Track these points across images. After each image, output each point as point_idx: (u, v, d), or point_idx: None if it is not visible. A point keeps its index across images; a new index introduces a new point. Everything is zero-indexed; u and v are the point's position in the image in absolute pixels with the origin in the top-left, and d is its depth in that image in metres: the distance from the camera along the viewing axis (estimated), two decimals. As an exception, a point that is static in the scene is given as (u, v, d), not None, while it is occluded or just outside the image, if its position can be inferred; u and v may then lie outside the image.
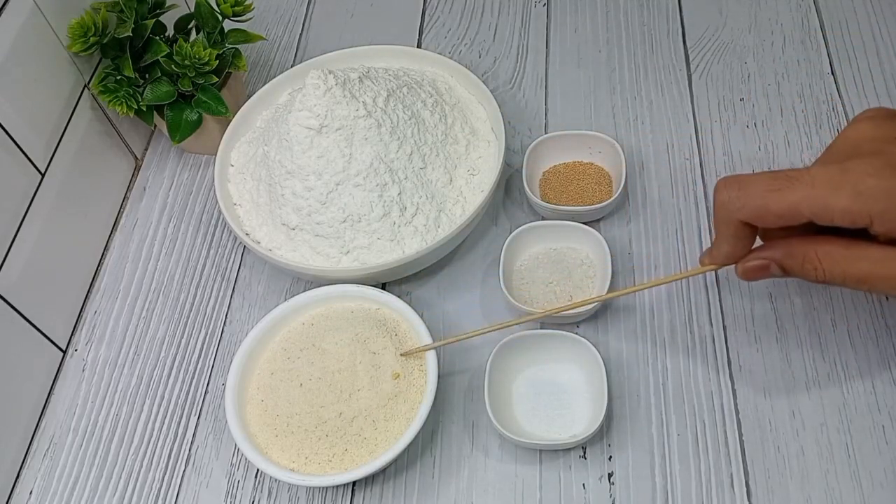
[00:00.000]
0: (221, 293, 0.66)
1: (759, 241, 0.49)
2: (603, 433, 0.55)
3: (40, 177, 0.61)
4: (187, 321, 0.65)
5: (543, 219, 0.65)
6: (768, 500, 0.52)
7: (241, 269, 0.67)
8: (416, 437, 0.52)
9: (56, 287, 0.63)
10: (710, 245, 0.64)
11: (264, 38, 0.72)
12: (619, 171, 0.64)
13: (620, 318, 0.60)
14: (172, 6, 0.69)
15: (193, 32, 0.71)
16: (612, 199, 0.63)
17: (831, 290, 0.60)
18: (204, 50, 0.65)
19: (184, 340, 0.64)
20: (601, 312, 0.61)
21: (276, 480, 0.56)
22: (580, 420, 0.55)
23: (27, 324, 0.59)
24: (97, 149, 0.69)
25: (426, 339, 0.55)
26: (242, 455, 0.57)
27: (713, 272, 0.60)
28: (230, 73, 0.70)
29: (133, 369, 0.63)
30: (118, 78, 0.66)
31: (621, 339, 0.59)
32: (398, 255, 0.59)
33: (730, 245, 0.48)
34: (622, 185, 0.63)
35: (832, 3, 0.78)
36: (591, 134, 0.66)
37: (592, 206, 0.63)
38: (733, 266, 0.49)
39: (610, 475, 0.54)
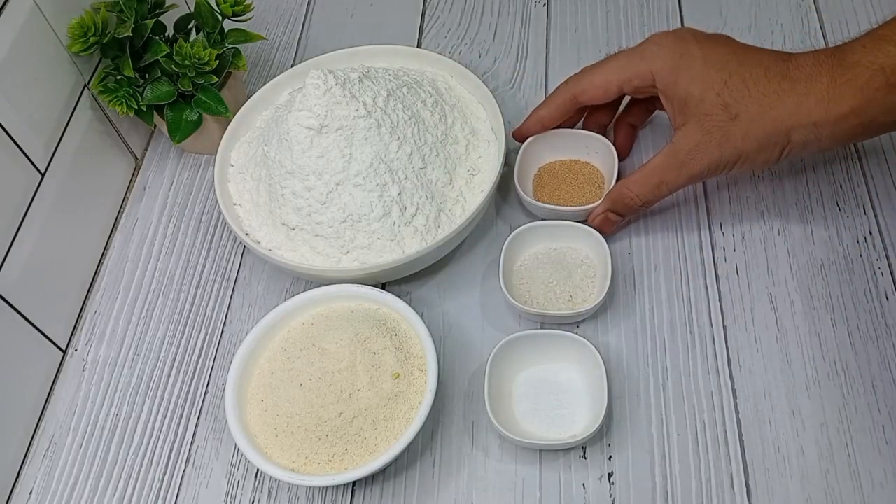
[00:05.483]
0: (221, 293, 0.66)
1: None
2: (603, 433, 0.55)
3: (40, 177, 0.61)
4: (187, 321, 0.65)
5: (541, 219, 0.64)
6: (768, 500, 0.52)
7: (241, 269, 0.67)
8: (416, 437, 0.52)
9: (56, 287, 0.63)
10: (712, 245, 0.65)
11: (264, 38, 0.72)
12: (611, 172, 0.64)
13: (620, 318, 0.60)
14: (172, 6, 0.69)
15: (193, 32, 0.71)
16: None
17: (831, 289, 0.60)
18: (204, 50, 0.65)
19: (184, 340, 0.64)
20: (601, 312, 0.61)
21: (276, 480, 0.56)
22: (580, 420, 0.55)
23: (27, 324, 0.59)
24: (97, 149, 0.69)
25: (426, 340, 0.55)
26: (242, 455, 0.57)
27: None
28: (230, 73, 0.70)
29: (133, 369, 0.63)
30: (118, 78, 0.66)
31: (621, 339, 0.59)
32: (398, 255, 0.59)
33: (547, 109, 0.63)
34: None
35: (832, 3, 0.78)
36: (586, 133, 0.66)
37: (588, 206, 0.63)
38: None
39: (610, 475, 0.54)
